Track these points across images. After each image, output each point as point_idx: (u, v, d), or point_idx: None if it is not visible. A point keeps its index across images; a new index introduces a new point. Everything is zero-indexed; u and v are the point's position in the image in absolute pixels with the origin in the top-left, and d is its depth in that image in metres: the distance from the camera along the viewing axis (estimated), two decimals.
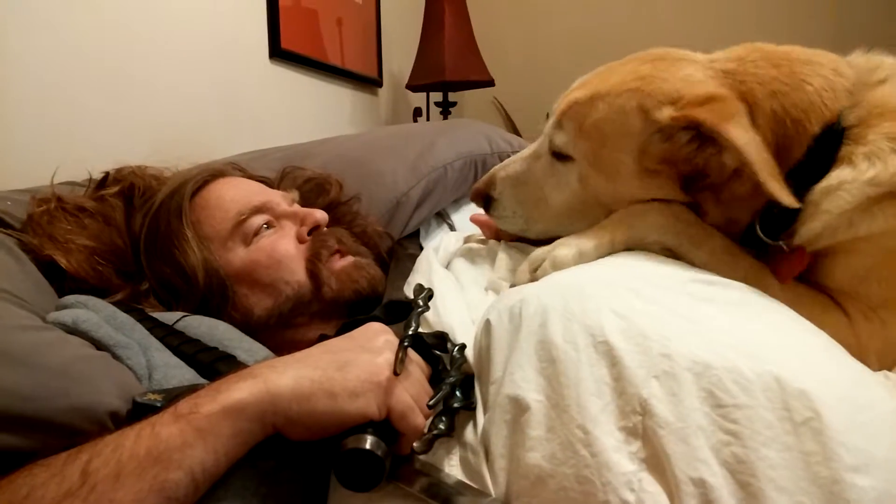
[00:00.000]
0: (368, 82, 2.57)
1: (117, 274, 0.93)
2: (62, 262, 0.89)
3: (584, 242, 0.82)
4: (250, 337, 0.88)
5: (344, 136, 1.63)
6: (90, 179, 1.07)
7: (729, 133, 0.75)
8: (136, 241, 0.97)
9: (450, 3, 2.63)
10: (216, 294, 0.94)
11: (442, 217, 1.38)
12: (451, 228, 1.35)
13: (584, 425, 0.61)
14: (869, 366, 0.70)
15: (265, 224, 0.99)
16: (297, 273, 0.97)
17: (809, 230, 0.78)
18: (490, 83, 2.72)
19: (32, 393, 0.66)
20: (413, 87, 2.73)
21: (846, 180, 0.76)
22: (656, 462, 0.59)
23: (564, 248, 0.81)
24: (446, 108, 2.79)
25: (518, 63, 3.28)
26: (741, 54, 0.83)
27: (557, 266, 0.80)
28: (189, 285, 0.93)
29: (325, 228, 1.03)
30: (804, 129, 0.78)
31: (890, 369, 0.75)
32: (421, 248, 1.23)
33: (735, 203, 0.82)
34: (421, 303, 0.78)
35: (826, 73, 0.80)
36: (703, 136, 0.78)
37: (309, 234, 1.01)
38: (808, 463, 0.56)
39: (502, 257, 0.92)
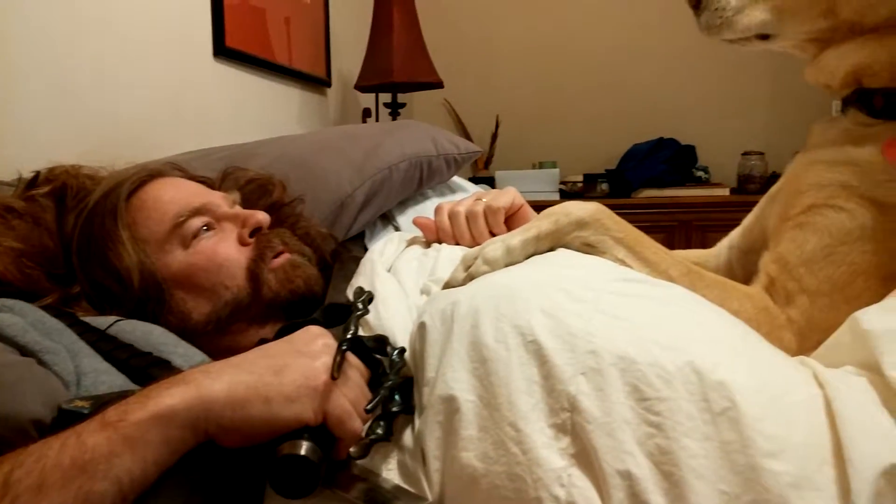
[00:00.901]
0: (317, 82, 2.55)
1: (47, 277, 0.89)
2: None
3: (511, 239, 0.85)
4: (187, 342, 0.86)
5: (289, 137, 1.61)
6: (20, 179, 1.03)
7: None
8: (67, 242, 0.94)
9: (398, 4, 2.62)
10: (151, 298, 0.91)
11: (387, 219, 1.37)
12: (397, 230, 1.35)
13: (516, 423, 0.63)
14: (788, 352, 0.74)
15: (204, 226, 0.96)
16: (237, 277, 0.94)
17: None
18: (439, 85, 2.72)
19: None
20: (362, 87, 2.71)
21: None
22: (585, 457, 0.61)
23: (493, 246, 0.84)
24: (395, 109, 2.78)
25: (468, 65, 3.30)
26: None
27: (489, 262, 0.82)
28: (123, 288, 0.90)
29: (268, 230, 1.02)
30: None
31: (808, 354, 0.77)
32: (365, 250, 1.22)
33: None
34: (360, 306, 0.78)
35: None
36: None
37: (251, 235, 0.99)
38: (726, 451, 0.58)
39: (443, 260, 0.92)
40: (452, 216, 1.04)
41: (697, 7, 1.01)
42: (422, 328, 0.74)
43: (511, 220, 1.05)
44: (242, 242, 0.97)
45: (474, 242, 1.01)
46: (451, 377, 0.68)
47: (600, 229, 0.86)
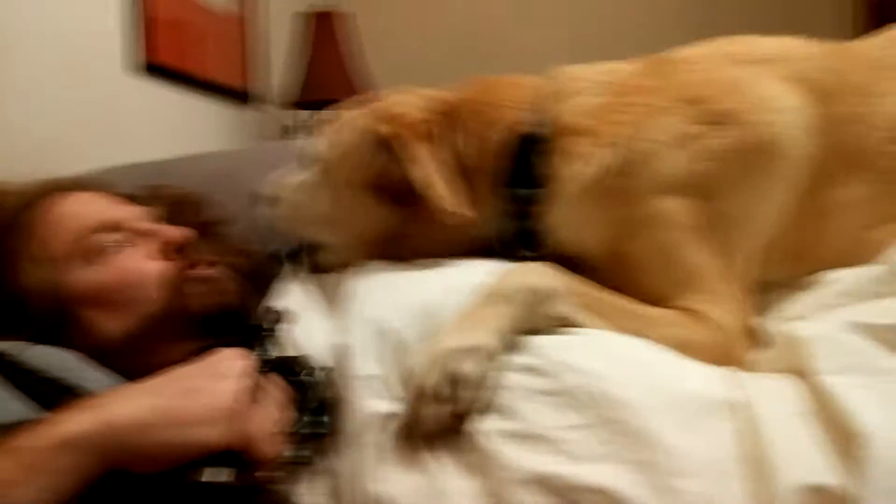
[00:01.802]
0: (236, 97, 2.52)
1: None
2: None
3: (486, 339, 0.72)
4: (102, 363, 0.84)
5: (216, 152, 1.59)
6: None
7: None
8: None
9: (321, 20, 2.61)
10: (52, 318, 0.87)
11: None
12: None
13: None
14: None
15: (117, 241, 0.91)
16: (150, 291, 0.90)
17: None
18: None
19: None
20: (285, 104, 2.69)
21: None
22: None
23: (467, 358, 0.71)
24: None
25: (402, 70, 3.28)
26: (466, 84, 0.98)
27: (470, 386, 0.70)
28: (21, 309, 0.86)
29: (190, 244, 0.97)
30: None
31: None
32: None
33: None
34: (265, 326, 0.77)
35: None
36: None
37: (177, 251, 0.94)
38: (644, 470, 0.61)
39: None
40: None
41: None
42: None
43: None
44: (160, 258, 0.93)
45: None
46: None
47: (569, 297, 0.78)
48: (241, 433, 0.64)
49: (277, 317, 0.80)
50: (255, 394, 0.65)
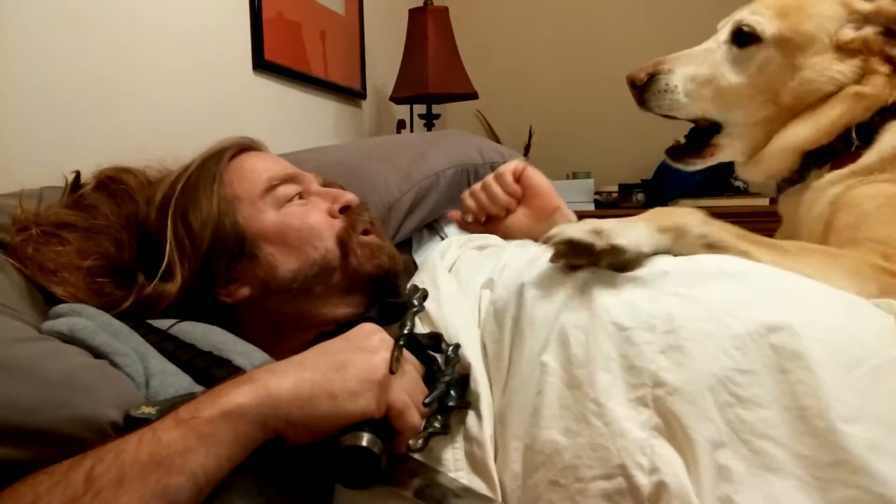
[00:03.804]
0: (352, 94, 2.58)
1: (116, 285, 0.92)
2: (59, 292, 0.86)
3: (636, 225, 0.78)
4: (272, 299, 0.92)
5: (334, 145, 1.63)
6: (66, 182, 1.04)
7: None
8: (140, 217, 0.97)
9: (433, 15, 2.65)
10: (234, 249, 0.94)
11: (434, 229, 1.38)
12: (443, 239, 1.36)
13: (597, 399, 0.66)
14: None
15: (297, 195, 1.00)
16: (327, 241, 0.97)
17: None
18: (473, 96, 2.73)
19: (33, 405, 0.66)
20: (397, 99, 2.74)
21: None
22: (668, 427, 0.64)
23: (620, 226, 0.77)
24: (430, 120, 2.80)
25: (501, 76, 3.31)
26: None
27: (621, 236, 0.76)
28: (201, 242, 0.93)
29: (357, 210, 1.03)
30: None
31: None
32: (412, 259, 1.24)
33: None
34: (416, 303, 0.79)
35: None
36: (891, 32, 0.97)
37: (341, 212, 1.01)
38: (804, 417, 0.61)
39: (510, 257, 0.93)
40: (472, 195, 1.22)
41: (643, 88, 1.09)
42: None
43: (520, 180, 1.20)
44: (332, 216, 1.00)
45: (495, 207, 1.18)
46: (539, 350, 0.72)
47: (717, 229, 0.83)
48: (386, 403, 0.67)
49: (425, 294, 0.82)
50: (396, 366, 0.68)
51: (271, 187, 0.98)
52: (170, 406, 0.66)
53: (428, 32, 2.62)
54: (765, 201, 2.87)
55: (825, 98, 1.00)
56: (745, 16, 1.04)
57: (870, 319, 0.70)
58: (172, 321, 0.86)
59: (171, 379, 0.76)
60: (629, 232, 0.76)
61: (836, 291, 0.75)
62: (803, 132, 1.02)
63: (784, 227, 1.13)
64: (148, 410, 0.69)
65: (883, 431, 0.60)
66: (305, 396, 0.64)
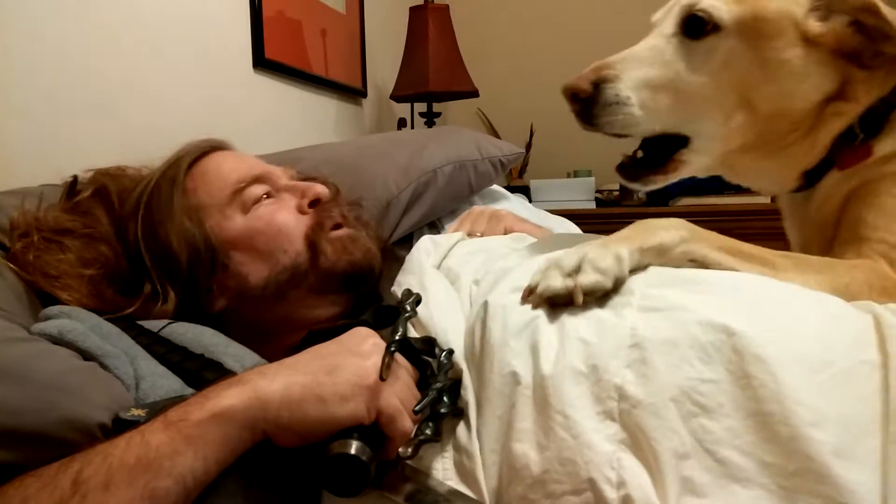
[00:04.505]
0: (353, 92, 2.58)
1: (118, 292, 0.91)
2: (63, 297, 0.87)
3: (617, 248, 0.74)
4: (246, 306, 0.91)
5: (333, 143, 1.63)
6: (64, 184, 1.04)
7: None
8: (124, 231, 0.96)
9: (434, 14, 2.64)
10: (206, 262, 0.93)
11: (436, 227, 1.38)
12: None
13: (564, 411, 0.65)
14: None
15: (265, 194, 0.98)
16: (296, 243, 0.96)
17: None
18: (474, 94, 2.73)
19: (21, 406, 0.66)
20: (397, 97, 2.73)
21: None
22: (634, 440, 0.63)
23: (597, 252, 0.73)
24: (430, 118, 2.80)
25: (502, 74, 3.30)
26: None
27: (601, 271, 0.72)
28: (178, 255, 0.92)
29: (328, 201, 1.02)
30: None
31: None
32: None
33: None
34: (408, 308, 0.78)
35: None
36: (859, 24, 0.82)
37: (310, 206, 1.00)
38: (768, 423, 0.60)
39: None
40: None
41: (588, 102, 0.87)
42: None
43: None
44: (301, 212, 0.99)
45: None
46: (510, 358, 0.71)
47: (702, 244, 0.78)
48: (376, 409, 0.66)
49: (419, 299, 0.81)
50: (387, 372, 0.67)
51: (238, 191, 0.97)
52: (160, 408, 0.66)
53: (429, 30, 2.62)
54: (766, 199, 2.87)
55: (809, 114, 0.87)
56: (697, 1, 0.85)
57: (845, 323, 0.69)
58: (164, 322, 0.86)
59: (162, 381, 0.76)
60: (607, 260, 0.72)
61: (813, 296, 0.73)
62: (800, 164, 0.91)
63: (787, 224, 1.07)
64: (137, 413, 0.69)
65: (848, 436, 0.59)
66: (295, 400, 0.64)
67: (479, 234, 1.10)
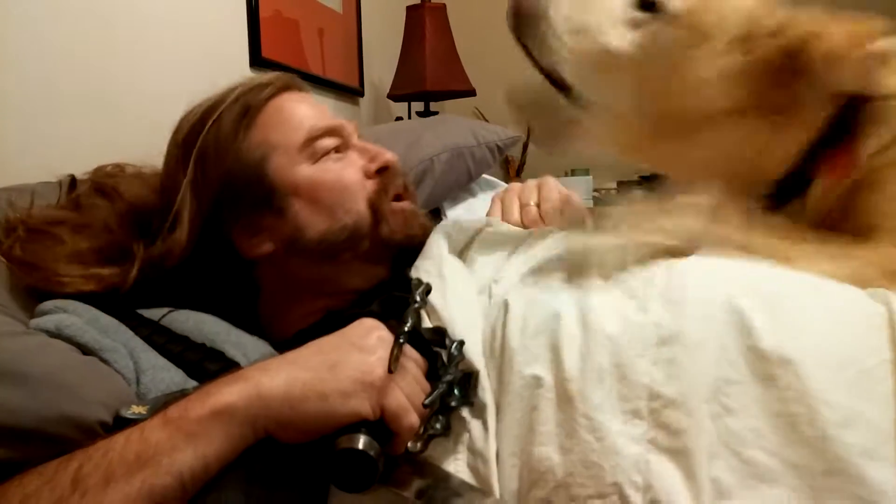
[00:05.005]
0: (350, 92, 2.57)
1: (115, 265, 0.89)
2: (58, 290, 0.84)
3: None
4: (295, 258, 0.89)
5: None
6: (60, 183, 1.02)
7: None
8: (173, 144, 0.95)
9: (431, 13, 2.64)
10: (258, 196, 0.90)
11: (438, 217, 1.37)
12: None
13: (588, 413, 0.63)
14: None
15: (335, 148, 0.94)
16: (359, 204, 0.92)
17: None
18: (471, 93, 2.73)
19: (20, 404, 0.65)
20: (394, 96, 2.73)
21: None
22: (665, 440, 0.61)
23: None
24: (427, 117, 2.79)
25: (499, 73, 3.28)
26: None
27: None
28: (230, 186, 0.89)
29: (394, 171, 0.97)
30: None
31: None
32: None
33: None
34: (418, 298, 0.76)
35: None
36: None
37: (377, 172, 0.95)
38: (794, 424, 0.59)
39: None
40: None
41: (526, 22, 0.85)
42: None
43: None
44: (367, 175, 0.95)
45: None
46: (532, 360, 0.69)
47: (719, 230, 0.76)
48: (381, 405, 0.65)
49: (428, 288, 0.79)
50: (394, 365, 0.66)
51: (311, 139, 0.92)
52: (161, 405, 0.65)
53: (425, 30, 2.61)
54: None
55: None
56: None
57: (861, 319, 0.67)
58: (164, 310, 0.85)
59: (163, 374, 0.74)
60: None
61: (829, 289, 0.71)
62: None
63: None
64: (139, 410, 0.68)
65: (876, 436, 0.58)
66: (297, 397, 0.63)
67: (532, 204, 1.06)
